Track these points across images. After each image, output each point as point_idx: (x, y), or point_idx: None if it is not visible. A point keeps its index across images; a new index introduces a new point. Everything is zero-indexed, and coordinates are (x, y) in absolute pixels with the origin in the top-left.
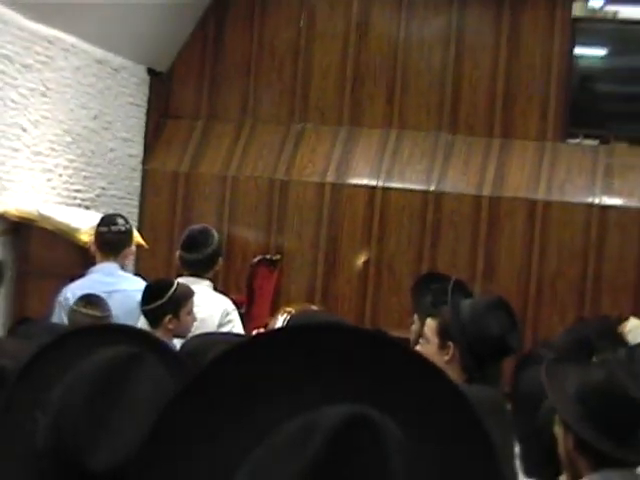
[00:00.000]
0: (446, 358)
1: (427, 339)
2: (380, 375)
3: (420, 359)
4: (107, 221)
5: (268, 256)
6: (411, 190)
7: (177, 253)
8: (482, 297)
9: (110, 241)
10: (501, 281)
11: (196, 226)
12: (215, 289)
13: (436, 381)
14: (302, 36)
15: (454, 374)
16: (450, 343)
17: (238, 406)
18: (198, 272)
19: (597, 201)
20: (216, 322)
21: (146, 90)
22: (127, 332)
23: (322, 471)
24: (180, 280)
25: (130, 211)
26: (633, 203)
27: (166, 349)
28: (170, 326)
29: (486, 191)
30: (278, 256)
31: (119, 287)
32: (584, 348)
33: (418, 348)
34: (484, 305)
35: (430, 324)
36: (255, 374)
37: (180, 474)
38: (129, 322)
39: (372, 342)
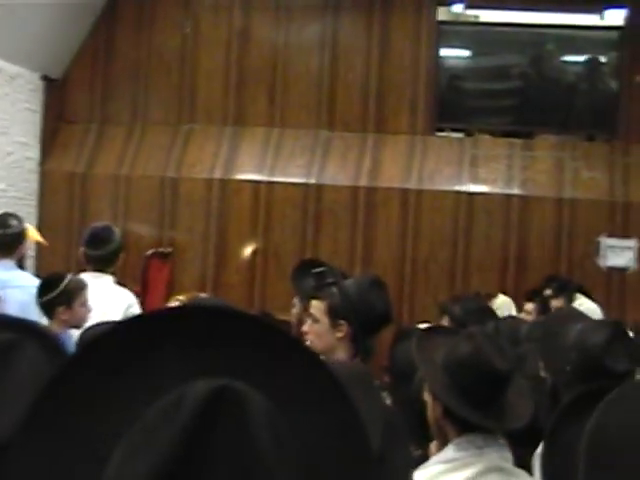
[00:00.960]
0: (339, 335)
1: (316, 319)
2: (246, 351)
3: (286, 335)
4: (0, 223)
5: (161, 249)
6: (293, 184)
7: (80, 250)
8: (361, 277)
9: (4, 242)
10: (379, 265)
11: (99, 224)
12: (118, 283)
13: (300, 355)
14: (188, 42)
15: (345, 350)
16: (342, 322)
17: (110, 389)
18: (101, 267)
19: (464, 189)
20: (119, 314)
21: (41, 96)
22: (8, 321)
23: (190, 441)
24: (84, 275)
25: (29, 211)
26: (497, 190)
27: (47, 337)
28: (64, 317)
29: (362, 182)
30: (170, 249)
31: (17, 283)
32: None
33: (306, 328)
34: (367, 284)
35: (317, 305)
36: (128, 357)
37: (54, 459)
38: (28, 315)
39: (239, 321)
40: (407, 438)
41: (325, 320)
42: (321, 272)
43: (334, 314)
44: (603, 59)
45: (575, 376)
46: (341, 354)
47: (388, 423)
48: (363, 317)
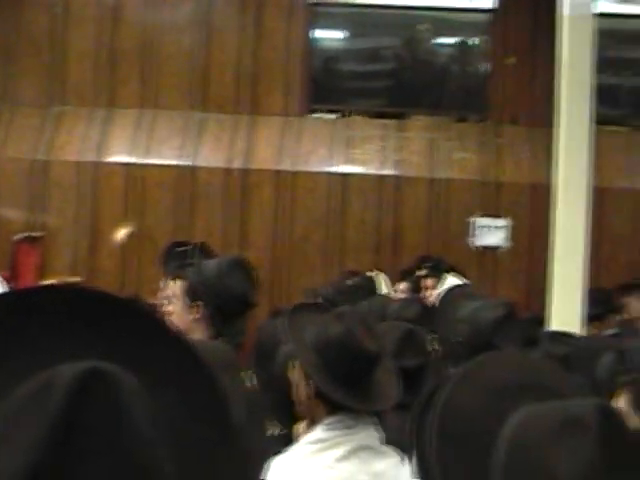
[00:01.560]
0: (195, 316)
1: (174, 299)
2: (112, 332)
3: (150, 316)
4: None
5: (31, 234)
6: (167, 166)
7: None
8: (224, 258)
9: None
10: (254, 247)
11: None
12: None
13: (165, 335)
14: (58, 21)
15: (202, 331)
16: (198, 302)
17: None
18: None
19: (338, 170)
20: None
21: None
22: None
23: (67, 424)
24: None
25: None
26: (371, 171)
27: None
28: None
29: (236, 164)
30: (41, 233)
31: None
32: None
33: (169, 309)
34: (227, 264)
35: (176, 285)
36: None
37: None
38: None
39: (104, 303)
40: (266, 419)
41: (182, 300)
42: (184, 252)
43: (191, 295)
44: (474, 41)
45: (464, 350)
46: (198, 335)
47: (248, 403)
48: (220, 299)
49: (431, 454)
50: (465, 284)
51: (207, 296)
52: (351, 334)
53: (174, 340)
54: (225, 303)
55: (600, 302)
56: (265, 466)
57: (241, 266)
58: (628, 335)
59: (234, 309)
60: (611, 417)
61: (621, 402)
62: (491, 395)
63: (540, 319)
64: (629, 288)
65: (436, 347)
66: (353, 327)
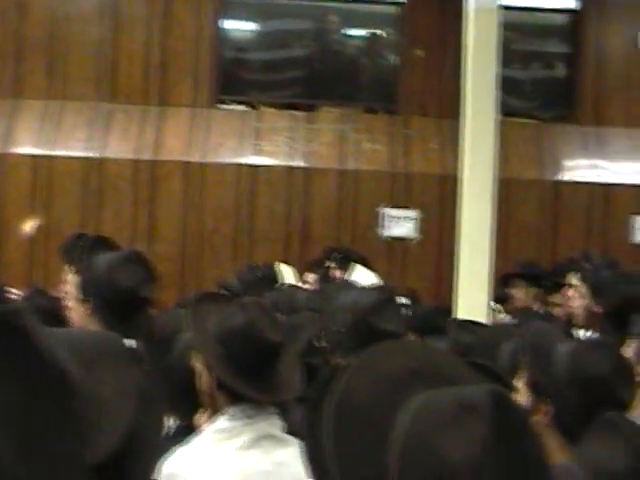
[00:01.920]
0: (87, 312)
1: (70, 294)
2: None
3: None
4: None
5: None
6: (74, 157)
7: None
8: (118, 252)
9: None
10: (163, 240)
11: None
12: None
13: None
14: None
15: (96, 326)
16: (89, 297)
17: None
18: None
19: (247, 162)
20: None
21: None
22: None
23: None
24: None
25: None
26: (280, 162)
27: None
28: None
29: (145, 156)
30: None
31: None
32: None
33: (69, 304)
34: (118, 259)
35: (71, 279)
36: None
37: None
38: None
39: None
40: (163, 410)
41: (76, 295)
42: (82, 245)
43: (82, 290)
44: (384, 33)
45: (349, 338)
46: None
47: (142, 395)
48: (108, 294)
49: (328, 444)
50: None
51: (95, 291)
52: (253, 325)
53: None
54: (113, 298)
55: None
56: (160, 461)
57: (134, 260)
58: (525, 322)
59: (124, 304)
60: (504, 402)
61: (519, 382)
62: (386, 383)
63: (446, 308)
64: (512, 278)
65: (323, 343)
66: (256, 318)
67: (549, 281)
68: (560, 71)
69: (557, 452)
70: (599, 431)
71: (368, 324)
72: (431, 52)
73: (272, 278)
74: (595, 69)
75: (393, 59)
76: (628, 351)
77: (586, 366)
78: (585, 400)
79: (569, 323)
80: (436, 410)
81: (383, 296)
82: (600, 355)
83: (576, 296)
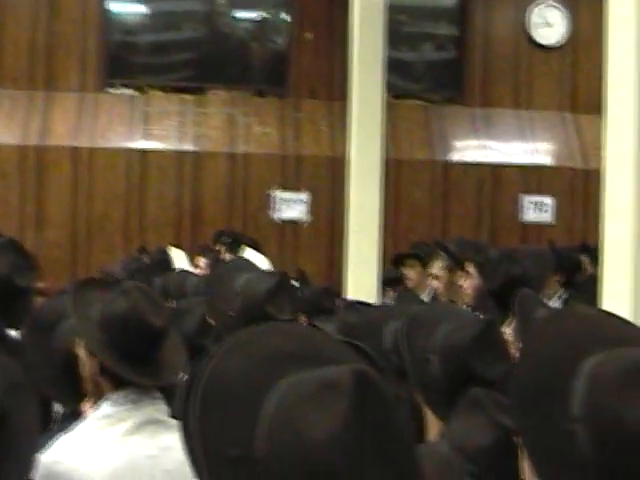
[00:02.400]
0: None
1: None
2: None
3: None
4: None
5: None
6: None
7: None
8: None
9: None
10: (53, 226)
11: None
12: None
13: None
14: None
15: None
16: None
17: None
18: None
19: (137, 146)
20: None
21: None
22: None
23: None
24: None
25: None
26: (170, 146)
27: None
28: None
29: (32, 141)
30: None
31: None
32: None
33: None
34: None
35: None
36: None
37: None
38: None
39: None
40: (35, 397)
41: None
42: None
43: None
44: (274, 16)
45: (239, 323)
46: None
47: (13, 382)
48: None
49: (193, 425)
50: (240, 257)
51: None
52: (136, 310)
53: None
54: None
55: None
56: (42, 448)
57: (10, 249)
58: (407, 303)
59: (1, 293)
60: (365, 380)
61: None
62: (258, 364)
63: (335, 289)
64: (404, 258)
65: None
66: (138, 302)
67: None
68: (449, 53)
69: (435, 426)
70: (464, 408)
71: (260, 310)
72: (320, 35)
73: (164, 263)
74: (483, 51)
75: (282, 42)
76: (508, 330)
77: (454, 343)
78: (452, 377)
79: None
80: (300, 389)
81: (276, 283)
82: (471, 333)
83: (465, 276)
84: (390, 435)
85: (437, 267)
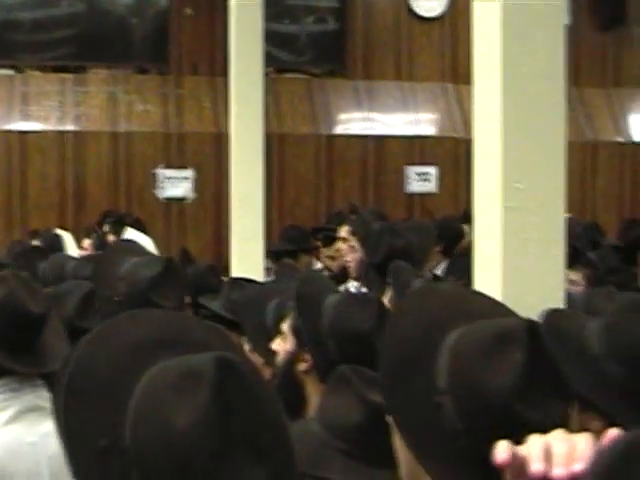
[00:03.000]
0: None
1: None
2: None
3: None
4: None
5: None
6: None
7: None
8: None
9: None
10: None
11: None
12: None
13: None
14: None
15: None
16: None
17: None
18: None
19: (16, 128)
20: None
21: None
22: None
23: None
24: None
25: None
26: (50, 127)
27: None
28: None
29: None
30: None
31: None
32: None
33: None
34: None
35: None
36: None
37: None
38: None
39: None
40: None
41: None
42: None
43: None
44: None
45: (122, 308)
46: None
47: None
48: None
49: (58, 416)
50: (129, 240)
51: None
52: (13, 297)
53: None
54: None
55: (294, 239)
56: None
57: None
58: (286, 278)
59: None
60: (228, 368)
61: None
62: (125, 353)
63: (219, 267)
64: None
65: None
66: (15, 289)
67: (322, 235)
68: (330, 25)
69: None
70: (333, 386)
71: (144, 297)
72: (200, 10)
73: (54, 246)
74: (364, 23)
75: (163, 18)
76: (385, 300)
77: (346, 319)
78: (343, 353)
79: (343, 276)
80: (163, 378)
81: (161, 270)
82: (361, 309)
83: (348, 249)
84: (257, 422)
85: (345, 230)
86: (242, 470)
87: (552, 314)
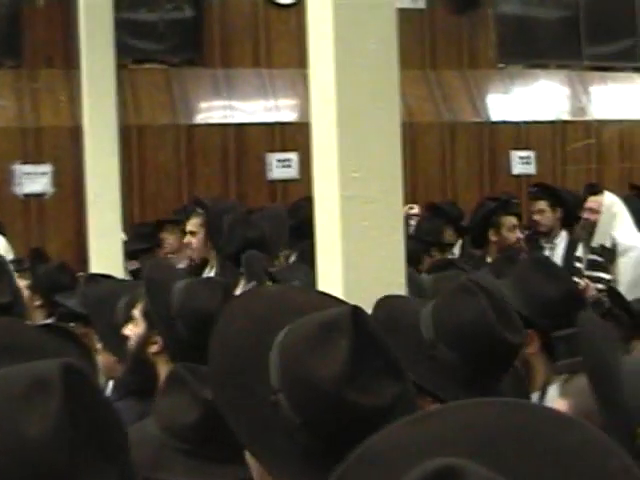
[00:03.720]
0: None
1: None
2: None
3: None
4: None
5: None
6: None
7: None
8: None
9: None
10: None
11: None
12: None
13: None
14: None
15: None
16: None
17: None
18: None
19: None
20: None
21: None
22: None
23: None
24: None
25: None
26: None
27: None
28: None
29: None
30: None
31: None
32: None
33: None
34: None
35: None
36: None
37: None
38: None
39: None
40: None
41: None
42: None
43: None
44: None
45: None
46: None
47: None
48: None
49: None
50: None
51: None
52: None
53: None
54: None
55: (145, 236)
56: None
57: None
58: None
59: None
60: (75, 373)
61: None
62: None
63: (74, 265)
64: (163, 224)
65: None
66: None
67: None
68: (187, 13)
69: None
70: (167, 385)
71: None
72: (52, 0)
73: None
74: (221, 11)
75: (14, 10)
76: (238, 291)
77: (194, 300)
78: (191, 332)
79: (199, 266)
80: (10, 387)
81: None
82: (208, 291)
83: (197, 242)
84: (104, 425)
85: (193, 224)
86: (95, 473)
87: (385, 300)
